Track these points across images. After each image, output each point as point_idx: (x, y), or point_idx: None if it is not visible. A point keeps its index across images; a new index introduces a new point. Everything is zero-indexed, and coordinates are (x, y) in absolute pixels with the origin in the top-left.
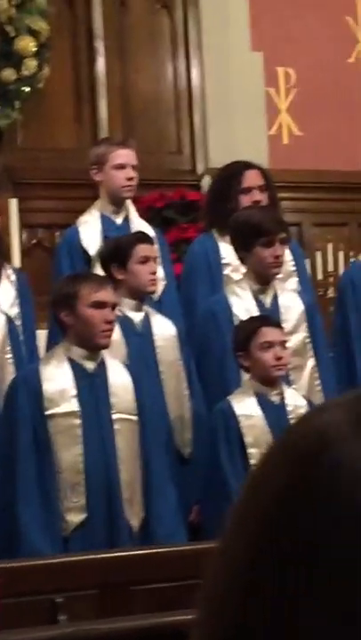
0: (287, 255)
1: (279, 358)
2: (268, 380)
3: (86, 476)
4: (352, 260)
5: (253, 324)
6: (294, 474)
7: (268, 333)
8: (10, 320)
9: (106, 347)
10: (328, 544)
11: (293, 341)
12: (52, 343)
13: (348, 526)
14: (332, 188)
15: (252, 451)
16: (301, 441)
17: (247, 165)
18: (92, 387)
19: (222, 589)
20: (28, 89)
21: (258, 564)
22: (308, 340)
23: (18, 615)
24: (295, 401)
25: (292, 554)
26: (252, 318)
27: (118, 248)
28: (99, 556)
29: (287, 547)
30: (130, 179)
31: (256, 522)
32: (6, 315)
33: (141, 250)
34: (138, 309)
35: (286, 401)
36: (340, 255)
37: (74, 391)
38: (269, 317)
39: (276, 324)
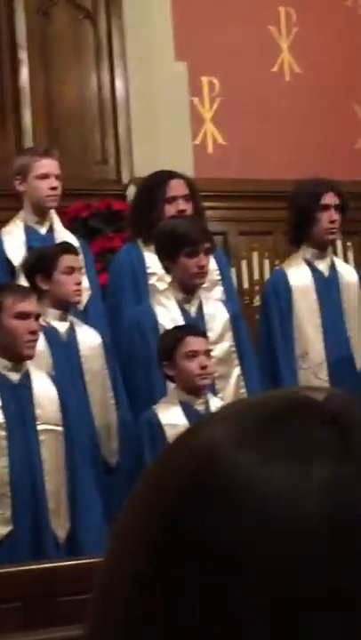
0: (212, 264)
1: (204, 367)
2: (194, 390)
3: (12, 488)
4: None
5: (178, 334)
6: (183, 492)
7: (193, 342)
8: None
9: (30, 357)
10: (218, 554)
11: (219, 350)
12: None
13: (229, 542)
14: (256, 197)
15: None
16: (189, 458)
17: (172, 175)
18: (16, 398)
19: (105, 607)
20: None
21: (143, 585)
22: (233, 349)
23: None
24: None
25: (180, 567)
26: (176, 328)
27: (43, 258)
28: (24, 567)
29: (176, 559)
30: (53, 188)
31: (139, 549)
32: None
33: (66, 260)
34: (63, 319)
35: (212, 410)
36: (266, 264)
37: None
38: (194, 327)
39: (201, 333)
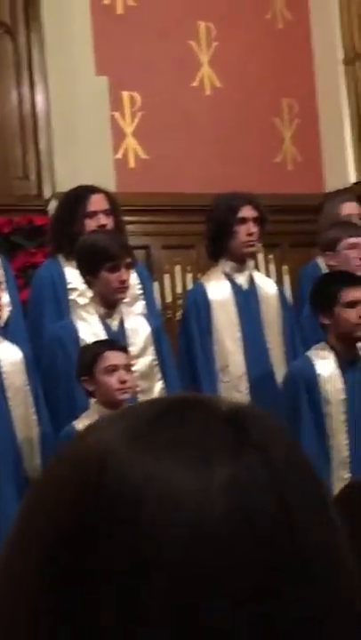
0: (134, 279)
1: (123, 382)
2: (114, 404)
3: None
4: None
5: (97, 349)
6: (77, 498)
7: (112, 357)
8: None
9: None
10: (115, 559)
11: (141, 364)
12: None
13: (131, 544)
14: (179, 211)
15: None
16: (81, 463)
17: (92, 189)
18: None
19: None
20: None
21: (40, 598)
22: (155, 363)
23: None
24: None
25: (74, 576)
26: (95, 342)
27: None
28: None
29: (75, 564)
30: None
31: (38, 552)
32: None
33: None
34: None
35: None
36: (189, 277)
37: None
38: (113, 341)
39: (120, 347)
